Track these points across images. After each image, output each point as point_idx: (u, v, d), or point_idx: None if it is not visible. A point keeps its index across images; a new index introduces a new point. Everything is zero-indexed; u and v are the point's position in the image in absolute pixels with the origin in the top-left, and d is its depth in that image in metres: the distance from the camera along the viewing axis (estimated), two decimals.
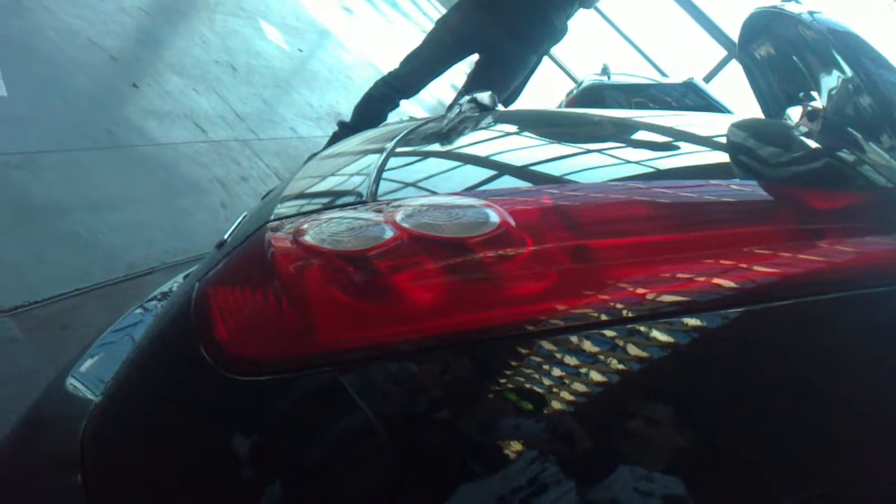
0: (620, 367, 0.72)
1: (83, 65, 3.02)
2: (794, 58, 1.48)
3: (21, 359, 1.72)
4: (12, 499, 0.97)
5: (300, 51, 5.37)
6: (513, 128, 1.43)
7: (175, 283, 1.42)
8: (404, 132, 1.28)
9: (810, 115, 1.35)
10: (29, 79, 2.68)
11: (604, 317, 0.74)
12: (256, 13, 5.21)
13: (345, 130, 3.37)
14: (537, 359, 0.72)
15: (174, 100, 3.36)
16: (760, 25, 1.64)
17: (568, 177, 1.07)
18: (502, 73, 3.38)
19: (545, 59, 3.63)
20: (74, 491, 0.85)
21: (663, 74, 8.09)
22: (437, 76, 3.47)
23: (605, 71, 6.00)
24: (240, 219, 1.17)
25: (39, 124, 2.51)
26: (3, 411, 1.29)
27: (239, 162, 3.32)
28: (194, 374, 0.81)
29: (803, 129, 1.36)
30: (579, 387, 0.71)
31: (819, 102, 1.39)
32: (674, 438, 0.72)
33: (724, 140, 1.27)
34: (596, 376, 0.71)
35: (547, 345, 0.73)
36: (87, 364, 1.14)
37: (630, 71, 6.54)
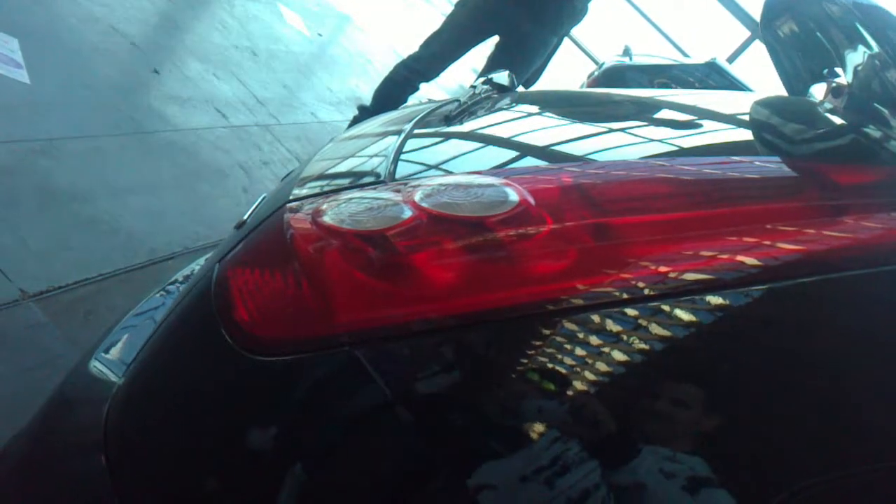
0: (643, 346, 0.72)
1: (105, 52, 3.04)
2: (818, 34, 1.46)
3: (46, 343, 1.74)
4: (38, 481, 0.98)
5: (320, 35, 5.37)
6: (532, 108, 1.42)
7: (196, 265, 1.42)
8: (422, 114, 1.28)
9: (835, 92, 1.33)
10: (51, 66, 2.69)
11: (625, 295, 0.73)
12: None
13: (365, 114, 3.38)
14: (558, 338, 0.72)
15: (195, 85, 3.37)
16: (784, 2, 1.62)
17: (588, 155, 1.06)
18: (522, 54, 3.36)
19: (565, 40, 3.61)
20: (99, 472, 0.85)
21: (685, 55, 8.03)
22: (457, 59, 3.46)
23: (626, 52, 5.97)
24: (259, 200, 1.18)
25: (62, 111, 2.52)
26: (29, 394, 1.30)
27: (260, 147, 3.33)
28: (215, 356, 0.82)
29: (828, 105, 1.34)
30: (601, 366, 0.71)
31: (844, 79, 1.37)
32: (697, 419, 0.72)
33: (746, 117, 1.25)
34: (618, 355, 0.71)
35: (568, 324, 0.72)
36: (110, 347, 1.15)
37: (652, 52, 6.50)
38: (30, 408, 1.12)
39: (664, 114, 1.40)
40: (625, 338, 0.72)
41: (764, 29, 1.77)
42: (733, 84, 5.31)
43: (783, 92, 1.81)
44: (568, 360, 0.71)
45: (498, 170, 0.99)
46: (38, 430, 1.07)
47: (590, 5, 3.37)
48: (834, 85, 1.36)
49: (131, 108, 2.85)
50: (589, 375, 0.71)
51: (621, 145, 1.13)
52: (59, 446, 1.01)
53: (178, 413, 0.84)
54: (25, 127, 2.30)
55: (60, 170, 2.26)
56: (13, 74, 2.45)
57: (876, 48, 1.17)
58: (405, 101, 3.46)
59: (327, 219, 0.82)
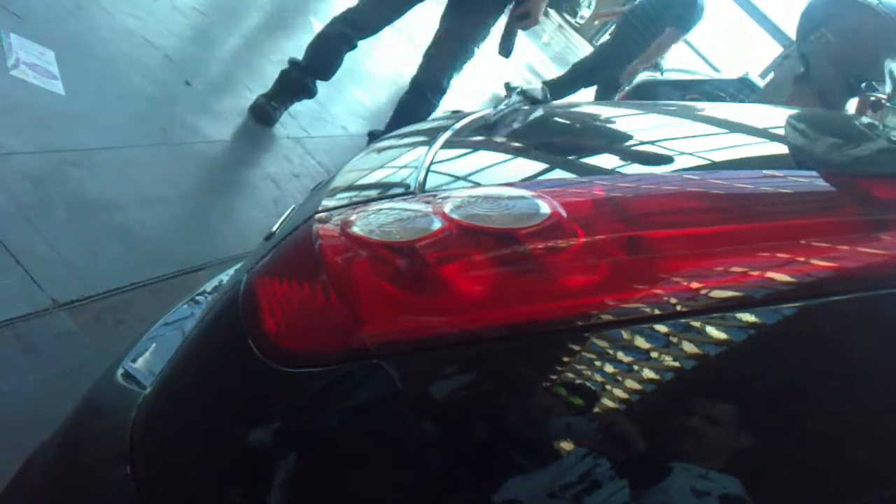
0: (673, 363, 0.70)
1: (138, 64, 3.07)
2: (857, 47, 1.44)
3: (76, 351, 1.75)
4: (65, 487, 0.99)
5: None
6: (563, 120, 1.41)
7: (225, 276, 1.43)
8: (453, 125, 1.28)
9: (873, 106, 1.31)
10: (86, 78, 2.73)
11: (656, 311, 0.72)
12: (307, 11, 5.26)
13: (296, 71, 3.29)
14: (588, 353, 0.71)
15: (226, 98, 3.40)
16: (821, 14, 1.60)
17: (620, 168, 1.05)
18: (475, 16, 3.27)
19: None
20: (124, 481, 0.86)
21: (717, 70, 7.99)
22: (399, 16, 3.31)
23: (658, 67, 5.95)
24: (288, 211, 1.18)
25: (95, 122, 2.55)
26: (58, 402, 1.31)
27: (290, 159, 3.35)
28: (242, 366, 0.82)
29: (865, 119, 1.32)
30: (630, 382, 0.70)
31: (882, 92, 1.35)
32: (729, 437, 0.70)
33: (780, 131, 1.24)
34: (648, 372, 0.70)
35: (598, 339, 0.71)
36: (137, 356, 1.16)
37: (684, 67, 6.48)
38: (58, 415, 1.13)
39: (696, 127, 1.39)
40: (655, 354, 0.70)
41: (801, 41, 1.75)
42: None
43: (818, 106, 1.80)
44: (597, 376, 0.70)
45: (529, 182, 0.99)
46: (65, 437, 1.08)
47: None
48: (872, 99, 1.34)
49: (163, 119, 2.87)
50: (618, 392, 0.70)
51: (653, 158, 1.12)
52: (86, 454, 1.01)
53: (204, 423, 0.84)
54: (59, 137, 2.33)
55: (92, 180, 2.28)
56: (49, 86, 2.49)
57: None
58: (342, 60, 3.32)
59: (356, 229, 0.81)
